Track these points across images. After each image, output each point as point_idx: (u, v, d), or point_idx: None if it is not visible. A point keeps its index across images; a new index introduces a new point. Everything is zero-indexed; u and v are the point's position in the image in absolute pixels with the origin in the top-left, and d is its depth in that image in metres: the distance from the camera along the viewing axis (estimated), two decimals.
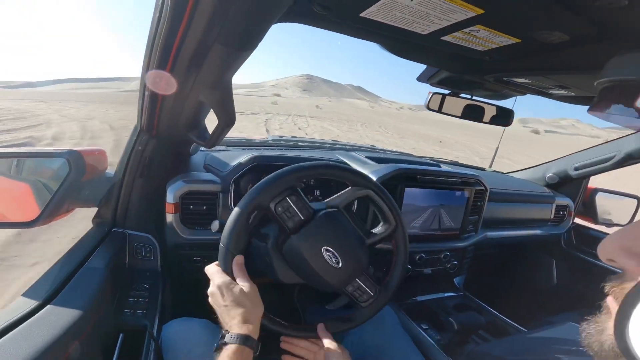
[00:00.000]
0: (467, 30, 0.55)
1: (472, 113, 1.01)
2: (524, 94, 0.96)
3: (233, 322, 0.57)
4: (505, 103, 1.04)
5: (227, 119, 0.70)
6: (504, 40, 0.59)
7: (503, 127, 1.12)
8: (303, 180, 0.69)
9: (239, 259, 0.62)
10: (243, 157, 1.00)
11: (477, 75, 0.85)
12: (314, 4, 0.52)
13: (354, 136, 13.26)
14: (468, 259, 1.29)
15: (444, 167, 1.24)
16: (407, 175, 1.06)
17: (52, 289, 0.59)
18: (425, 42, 0.64)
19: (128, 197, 0.86)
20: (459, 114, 1.00)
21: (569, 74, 0.68)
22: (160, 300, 0.83)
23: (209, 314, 0.81)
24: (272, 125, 12.90)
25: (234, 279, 0.61)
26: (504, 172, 1.80)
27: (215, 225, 0.73)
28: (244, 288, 0.60)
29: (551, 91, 0.87)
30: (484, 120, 1.01)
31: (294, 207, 0.65)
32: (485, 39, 0.59)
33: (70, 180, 0.73)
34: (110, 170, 0.89)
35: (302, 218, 0.66)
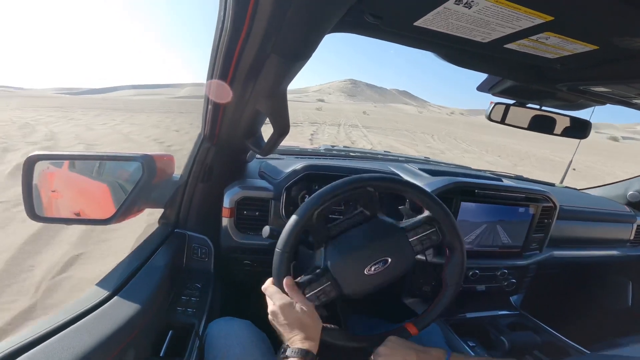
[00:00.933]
0: (534, 37, 0.51)
1: (541, 125, 0.93)
2: (604, 104, 0.87)
3: (295, 337, 0.59)
4: (581, 114, 0.95)
5: (282, 127, 0.72)
6: (578, 47, 0.53)
7: (578, 140, 1.02)
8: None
9: (288, 281, 0.64)
10: (296, 165, 1.02)
11: (547, 84, 0.78)
12: (366, 14, 0.52)
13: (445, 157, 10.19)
14: (529, 277, 1.21)
15: (506, 182, 1.16)
16: (464, 189, 1.01)
17: (117, 284, 0.64)
18: (487, 51, 0.60)
19: (190, 200, 0.91)
20: (526, 126, 0.92)
21: None
22: (210, 300, 0.86)
23: (253, 316, 0.83)
24: (321, 139, 11.06)
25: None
26: (578, 188, 1.65)
27: (266, 230, 0.74)
28: (304, 307, 0.62)
29: (635, 100, 0.78)
30: (555, 132, 0.93)
31: (319, 299, 0.66)
32: (557, 46, 0.54)
33: (142, 182, 0.80)
34: (177, 174, 0.96)
35: (335, 290, 0.66)
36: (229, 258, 1.01)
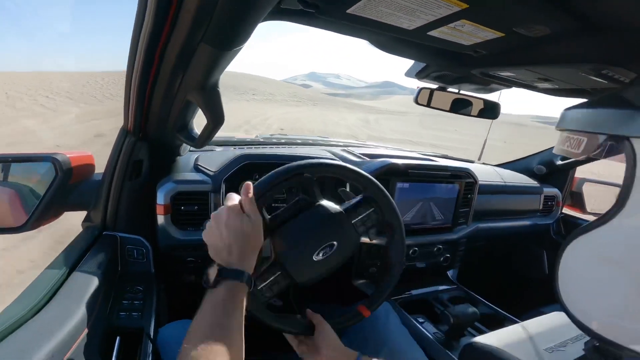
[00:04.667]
0: (452, 25, 0.56)
1: (460, 107, 1.02)
2: (510, 87, 0.97)
3: (229, 255, 0.52)
4: (492, 96, 1.05)
5: (217, 118, 0.70)
6: (488, 34, 0.59)
7: (491, 120, 1.13)
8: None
9: (248, 187, 0.57)
10: (233, 155, 0.99)
11: (464, 69, 0.86)
12: (301, 2, 0.52)
13: None
14: (461, 251, 1.32)
15: (434, 161, 1.25)
16: (398, 170, 1.07)
17: (42, 296, 0.58)
18: (412, 38, 0.65)
19: (117, 200, 0.85)
20: (448, 108, 1.01)
21: (553, 66, 0.69)
22: (156, 302, 0.82)
23: None
24: None
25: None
26: (493, 164, 1.83)
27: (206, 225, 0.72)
28: (253, 218, 0.55)
29: (536, 84, 0.88)
30: (472, 113, 1.02)
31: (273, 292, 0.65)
32: (470, 33, 0.60)
33: (57, 184, 0.72)
34: (99, 173, 0.88)
35: (287, 280, 0.65)
36: (170, 257, 0.96)
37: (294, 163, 0.68)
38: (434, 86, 1.02)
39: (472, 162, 1.74)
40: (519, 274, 1.71)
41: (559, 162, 1.55)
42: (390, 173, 1.06)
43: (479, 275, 1.64)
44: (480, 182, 1.26)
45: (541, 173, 1.62)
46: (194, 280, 1.06)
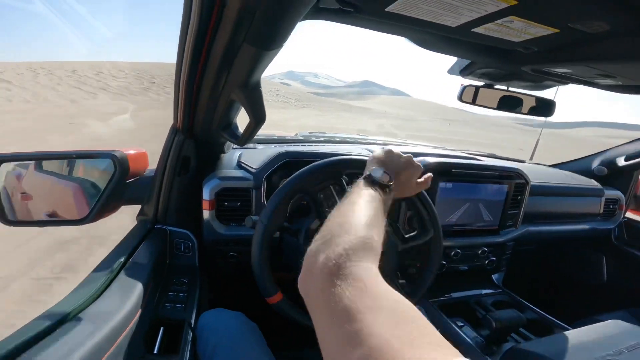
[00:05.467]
0: (499, 21, 0.53)
1: (509, 104, 0.96)
2: (566, 84, 0.91)
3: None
4: (546, 93, 0.98)
5: (258, 116, 0.71)
6: (540, 30, 0.55)
7: (543, 118, 1.06)
8: (347, 172, 0.70)
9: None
10: (274, 153, 1.02)
11: (513, 66, 0.81)
12: (339, 1, 0.52)
13: None
14: (507, 254, 1.25)
15: (481, 160, 1.20)
16: (440, 169, 1.04)
17: (98, 286, 0.63)
18: (456, 35, 0.62)
19: (168, 195, 0.90)
20: (495, 106, 0.96)
21: (614, 63, 0.64)
22: (198, 295, 0.86)
23: (244, 307, 0.84)
24: None
25: None
26: (547, 164, 1.72)
27: (249, 221, 0.75)
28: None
29: (596, 81, 0.81)
30: (522, 111, 0.96)
31: (336, 196, 0.66)
32: (520, 29, 0.56)
33: (115, 179, 0.78)
34: (152, 169, 0.94)
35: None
36: (213, 251, 1.01)
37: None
38: (479, 83, 0.97)
39: (523, 162, 1.64)
40: (572, 279, 1.59)
41: (623, 163, 1.41)
42: (433, 172, 1.02)
43: (527, 279, 1.55)
44: (532, 183, 1.19)
45: (602, 174, 1.49)
46: (233, 274, 1.10)
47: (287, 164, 1.00)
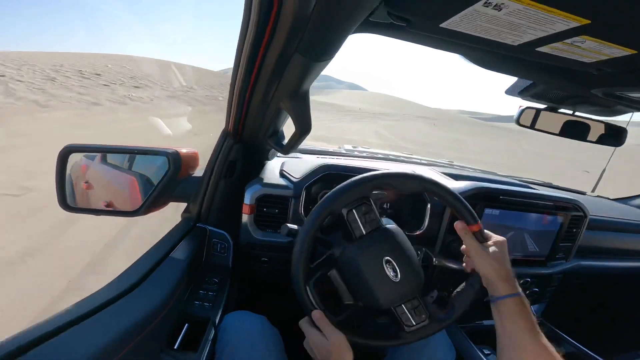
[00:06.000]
0: (569, 41, 0.48)
1: (574, 131, 0.89)
2: None
3: None
4: (616, 120, 0.90)
5: (304, 127, 0.72)
6: (615, 51, 0.50)
7: (613, 147, 0.97)
8: (379, 188, 0.68)
9: (316, 314, 0.64)
10: (316, 165, 1.02)
11: (581, 88, 0.75)
12: (391, 16, 0.51)
13: None
14: (552, 287, 1.18)
15: (535, 189, 1.13)
16: (488, 195, 0.99)
17: (139, 276, 0.66)
18: (517, 54, 0.58)
19: (212, 196, 0.93)
20: (557, 132, 0.89)
21: None
22: (227, 295, 0.87)
23: (269, 312, 0.83)
24: None
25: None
26: (611, 197, 1.58)
27: (284, 229, 0.75)
28: (331, 338, 0.62)
29: None
30: (589, 139, 0.88)
31: (363, 217, 0.65)
32: (593, 50, 0.51)
33: (168, 176, 0.82)
34: (200, 170, 0.98)
35: (370, 228, 0.66)
36: (247, 254, 1.02)
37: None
38: (540, 106, 0.91)
39: (583, 193, 1.53)
40: (621, 317, 1.46)
41: None
42: (479, 197, 0.98)
43: (570, 312, 1.44)
44: (590, 217, 1.11)
45: None
46: (263, 278, 1.11)
47: (328, 176, 1.00)
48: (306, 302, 0.65)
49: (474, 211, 0.69)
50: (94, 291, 0.59)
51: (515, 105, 0.97)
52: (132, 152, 0.87)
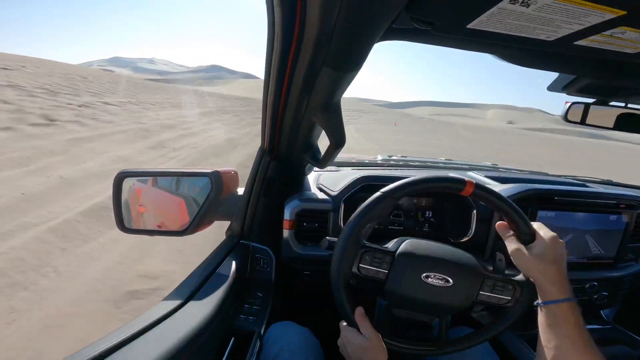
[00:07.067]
0: (608, 32, 0.45)
1: (629, 124, 0.81)
2: None
3: None
4: None
5: (338, 139, 0.73)
6: None
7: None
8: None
9: (359, 311, 0.66)
10: (353, 177, 1.03)
11: (632, 80, 0.70)
12: (415, 20, 0.50)
13: None
14: (624, 290, 1.09)
15: (592, 187, 1.05)
16: (541, 196, 0.94)
17: (189, 292, 0.69)
18: (555, 49, 0.55)
19: (253, 213, 0.97)
20: (611, 126, 0.82)
21: None
22: (270, 308, 0.89)
23: (313, 324, 0.83)
24: None
25: (358, 329, 0.65)
26: None
27: (324, 242, 0.76)
28: (367, 337, 0.63)
29: None
30: None
31: (374, 263, 0.66)
32: (635, 40, 0.47)
33: (212, 196, 0.87)
34: (241, 188, 1.02)
35: (388, 264, 0.66)
36: (289, 268, 1.04)
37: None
38: (589, 100, 0.86)
39: None
40: None
41: None
42: (531, 200, 0.93)
43: None
44: None
45: None
46: (305, 291, 1.11)
47: (365, 187, 1.00)
48: (344, 305, 0.66)
49: (516, 206, 0.65)
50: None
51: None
52: (179, 175, 0.93)
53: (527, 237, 0.63)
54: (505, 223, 0.66)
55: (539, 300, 0.60)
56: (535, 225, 0.64)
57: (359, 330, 0.65)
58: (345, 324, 0.68)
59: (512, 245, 0.64)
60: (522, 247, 0.62)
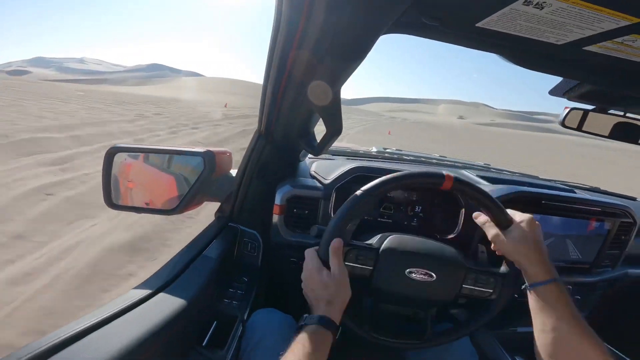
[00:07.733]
0: (619, 39, 0.45)
1: (625, 133, 0.82)
2: None
3: (317, 305, 0.59)
4: None
5: (335, 128, 0.72)
6: None
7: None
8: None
9: (336, 243, 0.63)
10: (346, 166, 1.02)
11: (634, 89, 0.70)
12: (424, 15, 0.50)
13: None
14: (596, 295, 1.13)
15: (580, 194, 1.06)
16: (528, 199, 0.95)
17: (173, 274, 0.68)
18: (562, 53, 0.55)
19: (244, 196, 0.95)
20: (607, 134, 0.83)
21: None
22: (255, 294, 0.89)
23: (296, 312, 0.84)
24: None
25: (327, 264, 0.63)
26: None
27: (314, 230, 0.76)
28: (334, 271, 0.61)
29: None
30: None
31: (358, 261, 0.67)
32: None
33: (204, 176, 0.86)
34: (234, 170, 1.01)
35: (373, 261, 0.67)
36: (276, 254, 1.04)
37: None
38: (588, 107, 0.86)
39: (634, 199, 1.44)
40: None
41: None
42: (518, 202, 0.94)
43: (614, 322, 1.34)
44: None
45: None
46: (291, 278, 1.12)
47: (358, 178, 0.99)
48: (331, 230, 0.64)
49: (491, 195, 0.67)
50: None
51: None
52: (172, 153, 0.91)
53: (504, 223, 0.65)
54: (482, 213, 0.68)
55: (527, 284, 0.61)
56: (510, 211, 0.67)
57: (327, 263, 0.62)
58: (312, 251, 0.66)
59: (491, 231, 0.66)
60: (500, 232, 0.64)
